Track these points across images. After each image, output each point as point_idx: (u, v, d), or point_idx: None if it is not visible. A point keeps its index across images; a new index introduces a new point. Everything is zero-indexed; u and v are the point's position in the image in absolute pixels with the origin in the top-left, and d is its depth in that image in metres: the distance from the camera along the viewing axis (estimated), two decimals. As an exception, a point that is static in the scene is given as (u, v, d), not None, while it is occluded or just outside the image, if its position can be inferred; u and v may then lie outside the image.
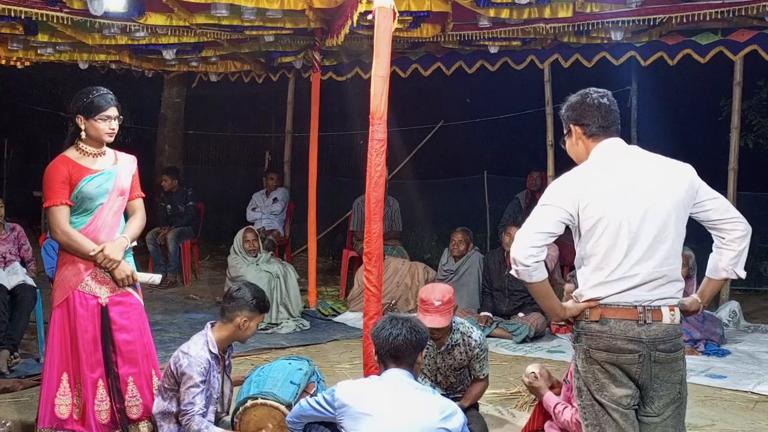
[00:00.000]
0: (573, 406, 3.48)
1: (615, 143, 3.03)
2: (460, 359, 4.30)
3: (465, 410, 3.99)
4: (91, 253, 3.89)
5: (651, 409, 2.94)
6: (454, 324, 4.30)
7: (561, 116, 3.15)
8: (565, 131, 3.13)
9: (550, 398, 3.65)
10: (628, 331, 2.87)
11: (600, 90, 3.07)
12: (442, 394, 4.28)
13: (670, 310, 2.91)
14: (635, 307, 2.88)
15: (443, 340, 4.26)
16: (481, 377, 4.37)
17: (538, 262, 2.91)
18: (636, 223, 2.89)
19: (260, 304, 3.97)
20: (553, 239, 2.95)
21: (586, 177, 2.97)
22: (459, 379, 4.37)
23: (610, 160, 2.99)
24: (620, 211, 2.89)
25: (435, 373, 4.35)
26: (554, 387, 3.79)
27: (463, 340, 4.29)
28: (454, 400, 4.28)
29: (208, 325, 3.99)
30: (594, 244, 2.93)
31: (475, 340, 4.29)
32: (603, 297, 2.92)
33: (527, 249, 2.89)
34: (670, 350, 2.90)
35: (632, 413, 2.94)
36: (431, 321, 4.06)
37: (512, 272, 2.99)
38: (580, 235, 2.97)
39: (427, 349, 4.25)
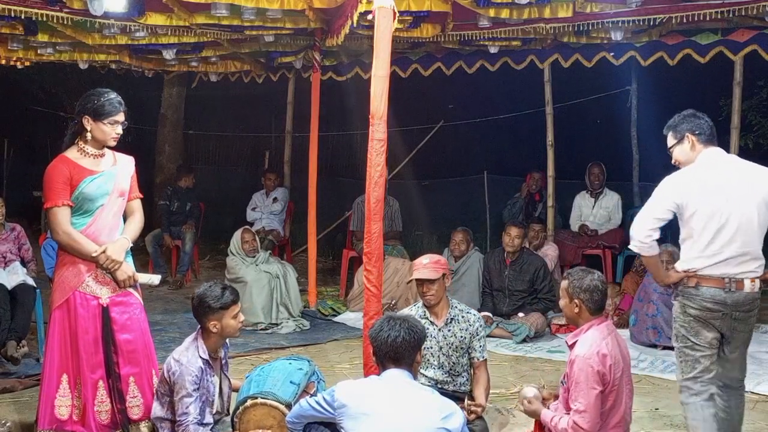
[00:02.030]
0: (567, 411, 3.56)
1: (717, 151, 3.96)
2: (461, 336, 4.38)
3: (470, 422, 4.01)
4: (94, 255, 3.89)
5: (728, 349, 3.90)
6: (450, 301, 4.46)
7: (673, 128, 4.03)
8: (676, 139, 4.01)
9: (546, 415, 3.76)
10: (715, 296, 3.80)
11: (700, 112, 4.03)
12: (445, 379, 4.35)
13: (752, 281, 3.83)
14: (723, 278, 3.79)
15: (435, 308, 4.39)
16: (481, 359, 4.42)
17: (653, 239, 3.86)
18: (725, 214, 3.77)
19: (217, 302, 3.87)
20: (663, 223, 3.86)
21: (690, 176, 3.88)
22: (459, 362, 4.42)
23: (711, 164, 3.90)
24: (713, 205, 3.78)
25: (438, 354, 4.39)
26: (546, 400, 3.87)
27: (462, 316, 4.43)
28: (456, 385, 4.38)
29: (199, 329, 3.97)
30: (691, 227, 3.83)
31: (474, 315, 4.48)
32: (698, 269, 3.82)
33: (645, 230, 3.86)
34: (748, 310, 3.87)
35: (715, 354, 3.87)
36: (416, 273, 4.35)
37: (631, 247, 3.93)
38: (683, 220, 3.86)
39: (428, 329, 4.29)
